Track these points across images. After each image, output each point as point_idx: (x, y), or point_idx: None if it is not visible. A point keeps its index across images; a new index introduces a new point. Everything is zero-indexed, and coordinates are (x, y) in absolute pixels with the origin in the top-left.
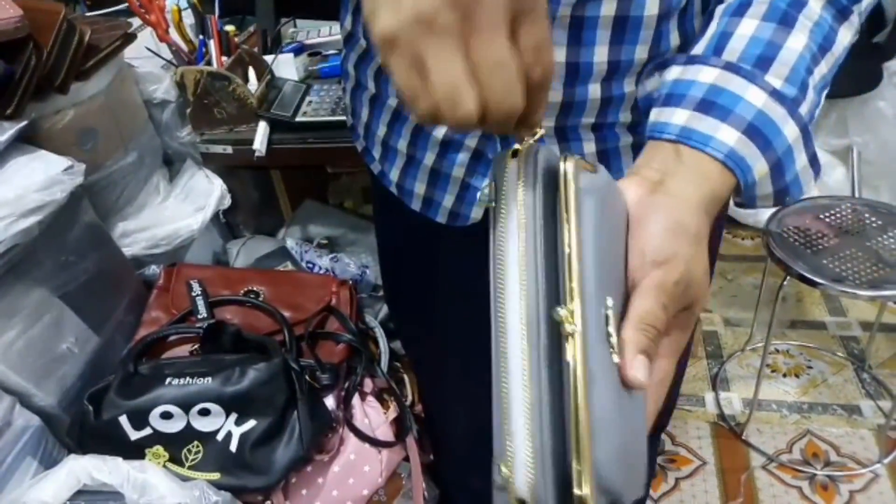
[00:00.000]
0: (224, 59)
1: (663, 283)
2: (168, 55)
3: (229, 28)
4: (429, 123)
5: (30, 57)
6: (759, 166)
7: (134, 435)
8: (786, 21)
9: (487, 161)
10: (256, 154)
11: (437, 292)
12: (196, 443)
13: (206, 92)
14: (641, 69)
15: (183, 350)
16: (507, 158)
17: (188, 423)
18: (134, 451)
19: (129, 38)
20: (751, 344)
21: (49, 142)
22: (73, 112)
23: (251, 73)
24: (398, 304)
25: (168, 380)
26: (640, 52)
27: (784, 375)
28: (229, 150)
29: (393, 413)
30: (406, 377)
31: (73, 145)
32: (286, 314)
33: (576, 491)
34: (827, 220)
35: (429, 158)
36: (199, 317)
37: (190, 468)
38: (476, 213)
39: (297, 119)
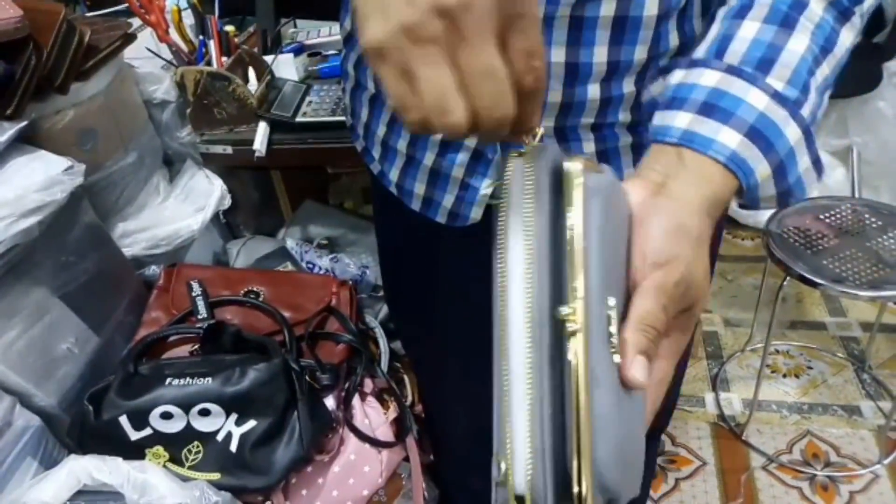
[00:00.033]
0: (224, 59)
1: (663, 284)
2: (168, 55)
3: (229, 28)
4: (420, 132)
5: (30, 57)
6: (762, 169)
7: (134, 435)
8: (787, 23)
9: (487, 161)
10: (256, 154)
11: (436, 292)
12: (196, 443)
13: (206, 92)
14: (641, 69)
15: (183, 350)
16: (513, 157)
17: (188, 423)
18: (134, 452)
19: (129, 38)
20: (751, 344)
21: (49, 142)
22: (73, 112)
23: (251, 73)
24: (398, 305)
25: (168, 380)
26: (640, 53)
27: (784, 376)
28: (229, 150)
29: (393, 413)
30: (406, 377)
31: (73, 145)
32: (286, 314)
33: (575, 489)
34: (827, 220)
35: (428, 158)
36: (200, 317)
37: (190, 468)
38: (476, 214)
39: (297, 119)
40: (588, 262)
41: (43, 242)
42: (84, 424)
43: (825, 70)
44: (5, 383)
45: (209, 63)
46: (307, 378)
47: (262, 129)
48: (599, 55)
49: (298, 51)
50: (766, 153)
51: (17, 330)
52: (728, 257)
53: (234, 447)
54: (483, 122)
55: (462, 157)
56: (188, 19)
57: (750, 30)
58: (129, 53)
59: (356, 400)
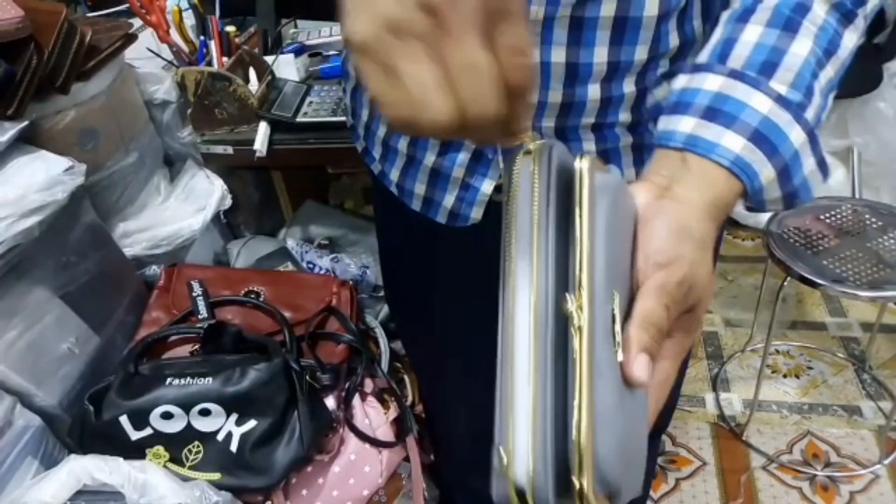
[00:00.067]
0: (225, 59)
1: (666, 283)
2: (169, 56)
3: (230, 29)
4: (402, 130)
5: (31, 57)
6: (766, 172)
7: (134, 435)
8: (790, 27)
9: (487, 161)
10: (257, 154)
11: (437, 292)
12: (196, 443)
13: (207, 92)
14: (641, 70)
15: (183, 350)
16: (521, 155)
17: (188, 423)
18: (134, 452)
19: (130, 38)
20: (751, 345)
21: (50, 142)
22: (74, 112)
23: (252, 73)
24: (398, 305)
25: (168, 380)
26: (640, 53)
27: (784, 376)
28: (230, 150)
29: (393, 413)
30: (406, 377)
31: (74, 146)
32: (287, 314)
33: (575, 481)
34: (827, 220)
35: (429, 158)
36: (200, 317)
37: (190, 468)
38: (476, 214)
39: (298, 119)
40: (595, 259)
41: (44, 242)
42: (84, 424)
43: (829, 72)
44: (6, 383)
45: (210, 63)
46: (307, 378)
47: (263, 129)
48: (600, 55)
49: (299, 51)
50: (771, 156)
51: (18, 330)
52: (728, 258)
53: (234, 447)
54: (467, 119)
55: (462, 158)
56: (189, 20)
57: (753, 34)
58: (130, 54)
59: (356, 400)
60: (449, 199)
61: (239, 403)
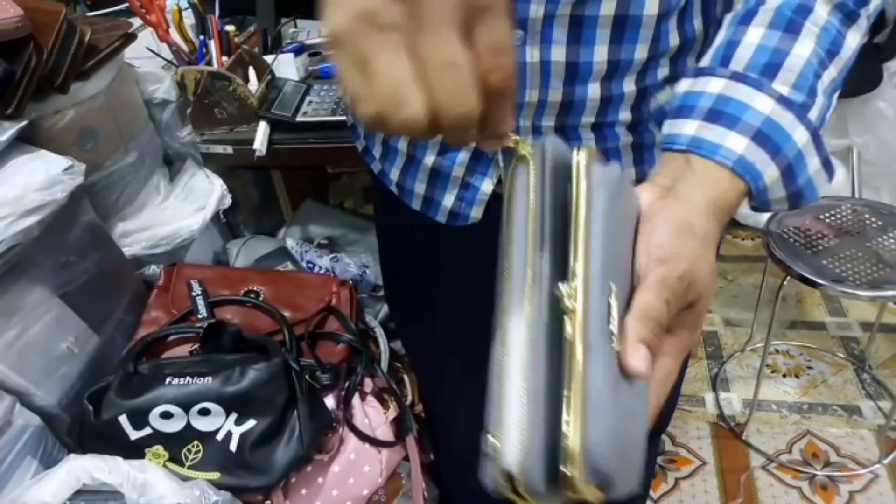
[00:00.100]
0: (224, 59)
1: (666, 278)
2: (168, 55)
3: (229, 28)
4: (376, 128)
5: (30, 57)
6: (770, 172)
7: (134, 434)
8: (791, 28)
9: (487, 160)
10: (257, 154)
11: (437, 292)
12: (196, 442)
13: (207, 92)
14: (641, 69)
15: (183, 350)
16: (515, 160)
17: (188, 422)
18: (134, 451)
19: (130, 38)
20: (751, 344)
21: (49, 142)
22: (74, 112)
23: (251, 73)
24: (398, 304)
25: (168, 379)
26: (640, 52)
27: (784, 376)
28: (230, 150)
29: (393, 413)
30: (406, 377)
31: (74, 145)
32: (286, 314)
33: (562, 469)
34: (827, 220)
35: (429, 158)
36: (199, 316)
37: (190, 468)
38: (476, 213)
39: (298, 119)
40: (591, 247)
41: (43, 242)
42: (84, 424)
43: (832, 72)
44: (5, 383)
45: (209, 63)
46: (307, 377)
47: (263, 128)
48: (600, 54)
49: (299, 50)
50: (774, 156)
51: (17, 329)
52: (728, 257)
53: (233, 447)
54: (443, 117)
55: (462, 157)
56: (188, 19)
57: (755, 36)
58: (130, 53)
59: (356, 399)
60: (449, 199)
61: (238, 403)
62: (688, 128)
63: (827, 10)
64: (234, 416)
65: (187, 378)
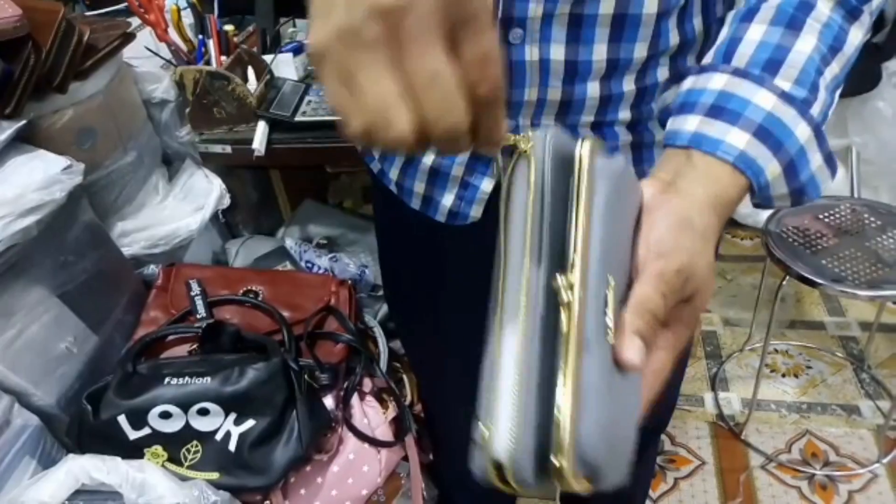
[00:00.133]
0: (223, 58)
1: (664, 272)
2: (167, 55)
3: (228, 28)
4: (364, 143)
5: (28, 56)
6: (772, 167)
7: (133, 434)
8: (793, 24)
9: (487, 159)
10: (255, 154)
11: (437, 291)
12: (195, 442)
13: (206, 91)
14: (641, 68)
15: (182, 350)
16: (515, 157)
17: (187, 422)
18: (133, 451)
19: (128, 37)
20: (750, 344)
21: (48, 141)
22: (72, 111)
23: (250, 72)
24: (398, 304)
25: (167, 379)
26: (639, 51)
27: (783, 375)
28: (228, 149)
29: (392, 413)
30: (405, 377)
31: (72, 145)
32: (285, 314)
33: (552, 459)
34: (826, 220)
35: (428, 157)
36: (198, 316)
37: (189, 468)
38: (476, 212)
39: (297, 119)
40: (591, 239)
41: (42, 242)
42: (82, 424)
43: (834, 69)
44: (4, 382)
45: (208, 62)
46: (306, 377)
47: (262, 128)
48: (599, 53)
49: (298, 50)
50: (776, 152)
51: (16, 329)
52: (727, 257)
53: (232, 446)
54: (431, 132)
55: (462, 156)
56: (187, 18)
57: (757, 32)
58: (129, 53)
59: (355, 399)
60: (448, 198)
61: (237, 403)
62: (689, 124)
63: (829, 7)
64: (233, 415)
65: (186, 378)
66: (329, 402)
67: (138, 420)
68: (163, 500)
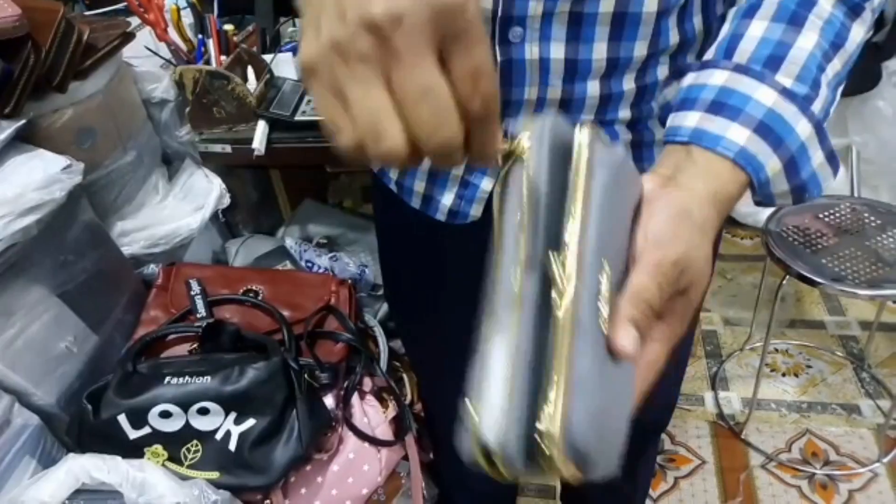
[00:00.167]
0: (223, 58)
1: (660, 262)
2: (167, 54)
3: (228, 27)
4: (355, 158)
5: (28, 56)
6: (772, 164)
7: (133, 434)
8: (795, 21)
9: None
10: (255, 153)
11: (437, 290)
12: (195, 442)
13: (205, 91)
14: (641, 66)
15: (182, 349)
16: (516, 147)
17: (187, 422)
18: (133, 450)
19: (128, 37)
20: (750, 343)
21: (47, 141)
22: (72, 111)
23: (250, 72)
24: (398, 303)
25: (167, 379)
26: (639, 49)
27: (783, 375)
28: (228, 149)
29: (392, 412)
30: (405, 376)
31: (72, 144)
32: (285, 313)
33: (541, 444)
34: (826, 219)
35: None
36: (198, 316)
37: (189, 467)
38: (476, 211)
39: (297, 118)
40: (587, 220)
41: (41, 241)
42: (83, 423)
43: (836, 65)
44: (4, 382)
45: (208, 62)
46: (306, 377)
47: (261, 127)
48: (599, 51)
49: (297, 49)
50: (777, 148)
51: (16, 328)
52: (727, 256)
53: (232, 446)
54: (424, 146)
55: None
56: (187, 18)
57: (758, 28)
58: (128, 52)
59: (355, 399)
60: (448, 197)
61: (237, 402)
62: (690, 120)
63: (831, 3)
64: (233, 415)
65: (186, 377)
66: (329, 401)
67: (138, 419)
68: (163, 499)
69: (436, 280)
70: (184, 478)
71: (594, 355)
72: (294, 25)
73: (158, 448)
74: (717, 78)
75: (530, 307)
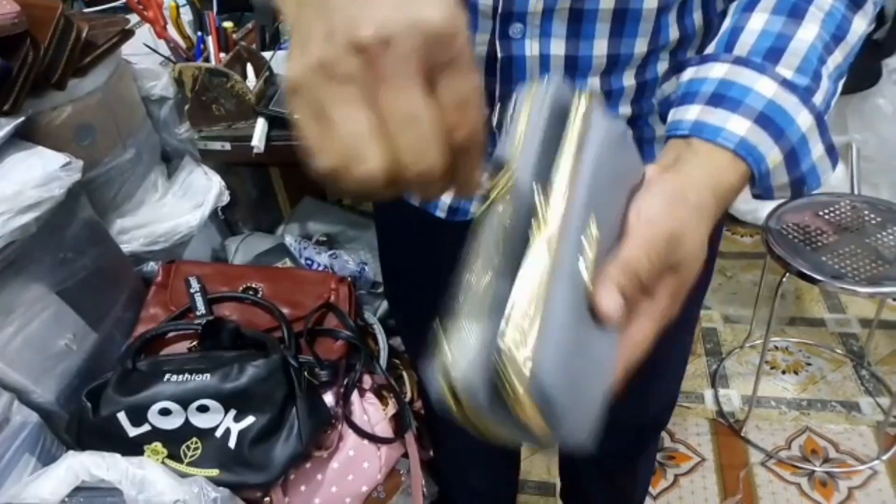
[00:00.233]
0: (222, 55)
1: (652, 235)
2: (166, 52)
3: (227, 24)
4: (333, 180)
5: (27, 53)
6: (773, 155)
7: (132, 431)
8: (795, 13)
9: (487, 157)
10: (255, 151)
11: (437, 288)
12: (195, 439)
13: (205, 88)
14: (641, 63)
15: (181, 347)
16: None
17: (187, 419)
18: (132, 448)
19: (127, 34)
20: (750, 341)
21: (46, 138)
22: (71, 108)
23: (249, 69)
24: (398, 301)
25: (167, 376)
26: (640, 46)
27: (783, 372)
28: (228, 146)
29: (392, 409)
30: (405, 374)
31: (71, 141)
32: (285, 311)
33: (505, 377)
34: (826, 216)
35: None
36: (198, 313)
37: (189, 465)
38: (476, 208)
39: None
40: (576, 176)
41: (41, 238)
42: (82, 421)
43: (837, 58)
44: (3, 379)
45: (207, 59)
46: (306, 374)
47: (261, 125)
48: (599, 48)
49: None
50: (777, 139)
51: (15, 326)
52: (727, 254)
53: (232, 443)
54: (404, 173)
55: None
56: (186, 15)
57: (758, 21)
58: (127, 49)
59: (355, 396)
60: (448, 194)
61: (237, 400)
62: (690, 113)
63: None
64: (232, 412)
65: (186, 375)
66: (329, 398)
67: (138, 417)
68: (162, 496)
69: (436, 277)
70: (183, 475)
71: (572, 304)
72: None
73: (158, 445)
74: (717, 71)
75: (511, 250)
